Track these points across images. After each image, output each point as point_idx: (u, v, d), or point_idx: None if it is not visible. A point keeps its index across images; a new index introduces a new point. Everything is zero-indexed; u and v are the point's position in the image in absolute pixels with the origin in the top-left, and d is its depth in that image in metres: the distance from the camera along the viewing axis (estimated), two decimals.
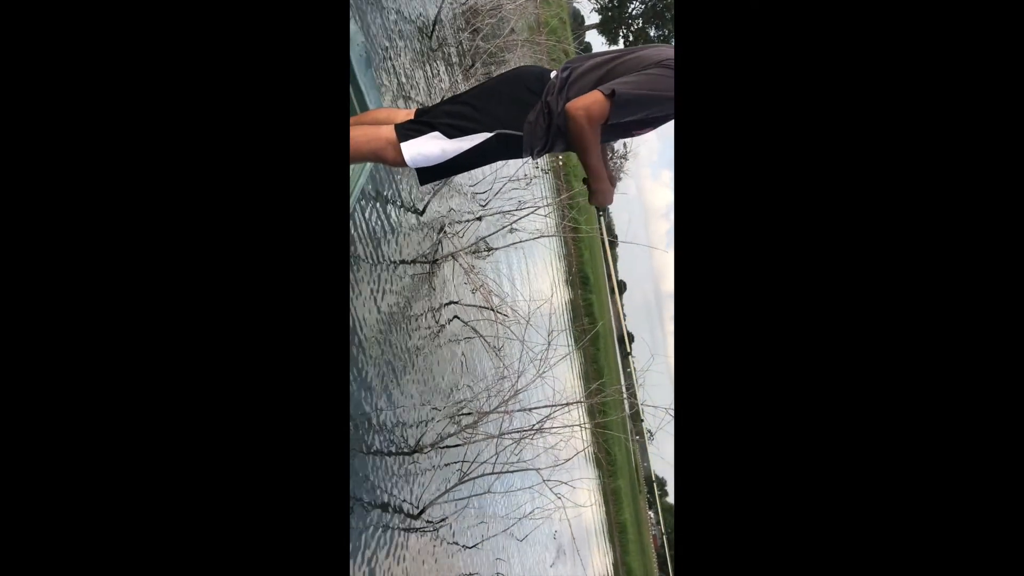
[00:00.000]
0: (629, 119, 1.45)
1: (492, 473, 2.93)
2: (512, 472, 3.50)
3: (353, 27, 2.45)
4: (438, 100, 2.14)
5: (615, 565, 14.31)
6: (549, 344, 3.35)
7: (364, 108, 2.16)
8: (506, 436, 3.32)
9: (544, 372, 3.28)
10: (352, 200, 2.34)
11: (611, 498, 14.60)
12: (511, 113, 1.45)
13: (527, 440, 3.15)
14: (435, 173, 1.53)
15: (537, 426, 3.16)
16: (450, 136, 1.45)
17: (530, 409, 3.56)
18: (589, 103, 1.40)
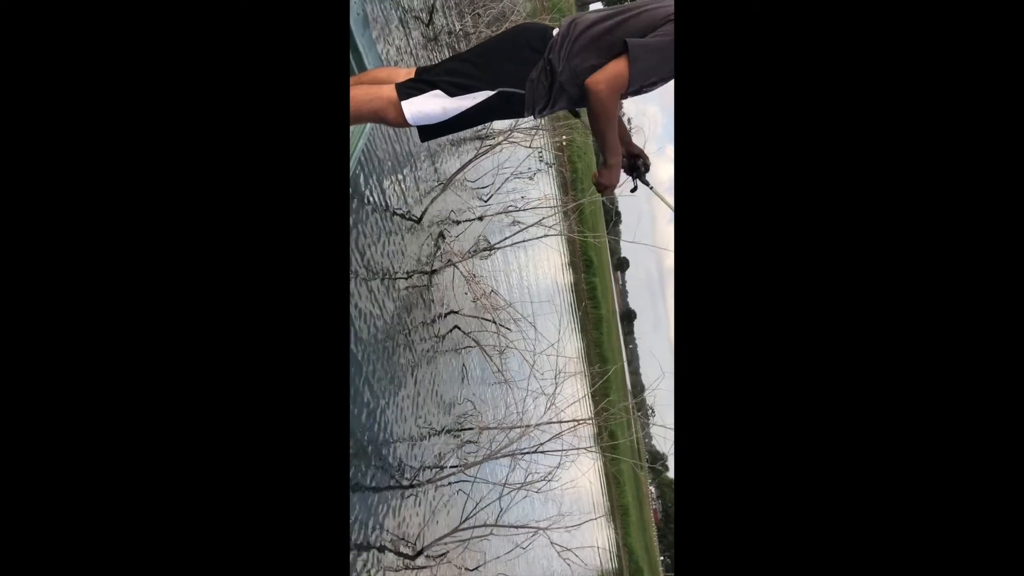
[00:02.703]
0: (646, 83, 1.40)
1: (492, 525, 2.76)
2: (515, 489, 3.36)
3: None
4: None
5: (617, 547, 14.41)
6: (557, 387, 3.16)
7: (363, 68, 2.11)
8: (508, 454, 3.16)
9: (553, 418, 3.10)
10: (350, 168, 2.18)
11: (613, 481, 14.63)
12: (513, 71, 1.42)
13: (532, 467, 2.98)
14: (436, 130, 1.49)
15: (541, 452, 2.98)
16: (451, 94, 1.41)
17: (535, 425, 3.38)
18: (609, 76, 1.34)
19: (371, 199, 2.81)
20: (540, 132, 5.55)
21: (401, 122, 1.43)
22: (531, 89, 1.43)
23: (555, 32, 1.46)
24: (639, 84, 1.37)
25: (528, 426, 3.30)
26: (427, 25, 4.04)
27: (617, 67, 1.33)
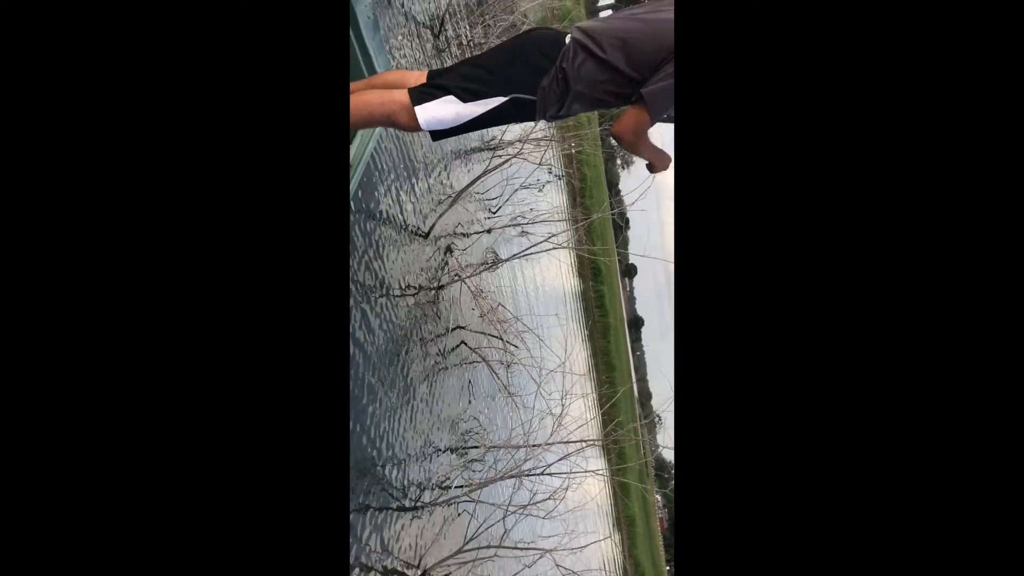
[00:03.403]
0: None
1: (496, 546, 2.70)
2: (520, 510, 3.30)
3: None
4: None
5: (623, 559, 14.27)
6: (564, 409, 3.10)
7: (373, 72, 2.11)
8: (514, 476, 3.10)
9: (560, 438, 3.03)
10: (353, 183, 2.19)
11: (619, 493, 14.50)
12: (525, 77, 1.45)
13: (540, 486, 2.91)
14: (448, 131, 1.52)
15: (548, 472, 2.92)
16: (464, 100, 1.44)
17: (542, 445, 3.32)
18: (632, 124, 1.47)
19: (379, 210, 2.77)
20: (551, 144, 5.51)
21: (413, 126, 1.45)
22: (543, 96, 1.45)
23: (567, 39, 1.47)
24: (659, 119, 1.47)
25: (535, 446, 3.24)
26: (437, 36, 4.01)
27: (638, 116, 1.44)
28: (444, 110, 1.44)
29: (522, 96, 1.45)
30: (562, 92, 1.45)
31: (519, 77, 1.44)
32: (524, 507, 2.97)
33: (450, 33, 4.27)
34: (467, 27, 4.65)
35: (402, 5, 3.45)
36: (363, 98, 1.49)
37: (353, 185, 2.28)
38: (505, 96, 1.44)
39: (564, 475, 3.13)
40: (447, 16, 4.19)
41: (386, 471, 2.46)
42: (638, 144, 1.49)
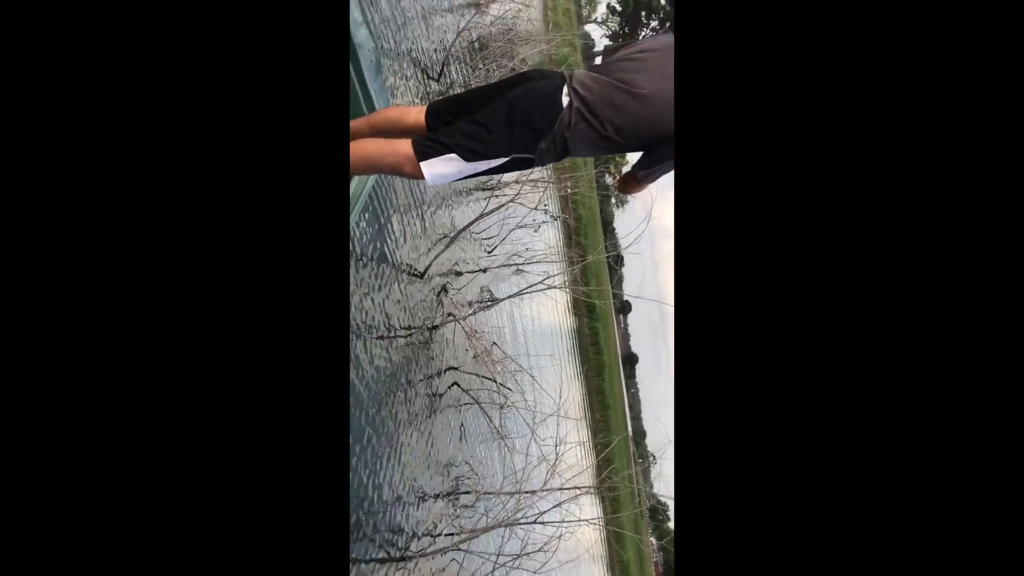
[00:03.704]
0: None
1: None
2: (511, 563, 3.20)
3: (363, 33, 2.31)
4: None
5: None
6: (558, 458, 3.04)
7: (373, 110, 2.09)
8: (507, 525, 3.01)
9: (554, 485, 2.97)
10: (353, 217, 2.21)
11: (612, 537, 14.18)
12: (525, 139, 1.53)
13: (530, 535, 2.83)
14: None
15: (541, 522, 2.84)
16: (467, 160, 1.52)
17: (535, 492, 3.24)
18: (636, 190, 1.74)
19: (374, 250, 2.76)
20: (548, 186, 5.58)
21: (418, 175, 1.53)
22: (541, 155, 1.56)
23: (565, 99, 1.53)
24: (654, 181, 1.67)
25: (529, 492, 3.16)
26: (438, 80, 4.08)
27: (639, 187, 1.70)
28: (447, 167, 1.52)
29: (522, 156, 1.54)
30: (560, 152, 1.57)
31: (519, 138, 1.52)
32: (515, 557, 2.88)
33: (453, 77, 4.36)
34: (469, 70, 4.75)
35: (408, 51, 3.53)
36: (366, 147, 1.57)
37: (353, 218, 2.29)
38: (506, 156, 1.53)
39: (557, 523, 3.05)
40: (449, 59, 4.27)
41: (373, 520, 2.39)
42: (642, 190, 1.75)
